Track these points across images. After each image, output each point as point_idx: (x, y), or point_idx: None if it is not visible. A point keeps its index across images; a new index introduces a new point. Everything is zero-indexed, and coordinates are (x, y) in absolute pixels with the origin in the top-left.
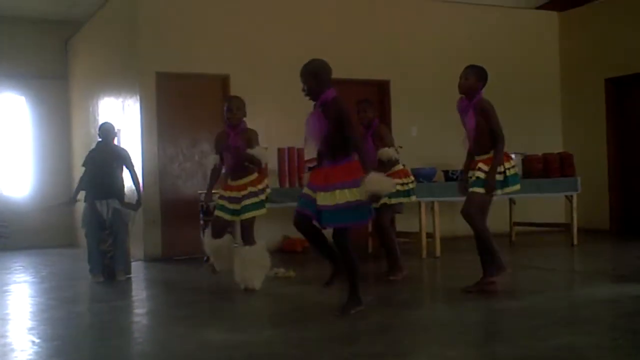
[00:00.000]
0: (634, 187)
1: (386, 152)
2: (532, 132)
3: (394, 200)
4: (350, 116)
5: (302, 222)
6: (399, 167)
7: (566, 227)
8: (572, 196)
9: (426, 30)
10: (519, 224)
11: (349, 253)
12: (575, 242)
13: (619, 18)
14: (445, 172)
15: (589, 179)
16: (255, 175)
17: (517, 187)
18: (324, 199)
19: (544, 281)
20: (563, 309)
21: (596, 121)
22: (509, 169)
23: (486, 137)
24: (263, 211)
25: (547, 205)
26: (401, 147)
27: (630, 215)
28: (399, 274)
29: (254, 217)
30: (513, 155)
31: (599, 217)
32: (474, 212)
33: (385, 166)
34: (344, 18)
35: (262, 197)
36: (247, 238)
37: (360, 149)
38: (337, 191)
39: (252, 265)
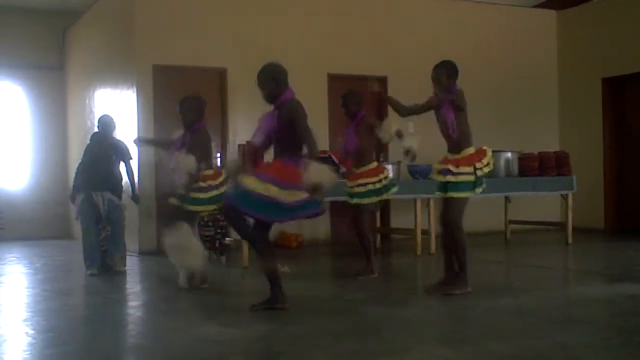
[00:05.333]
0: (629, 187)
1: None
2: (528, 130)
3: (366, 201)
4: (304, 118)
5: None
6: (372, 165)
7: (561, 226)
8: (567, 195)
9: (423, 28)
10: (514, 222)
11: (248, 235)
12: (570, 240)
13: (616, 17)
14: None
15: (585, 178)
16: (211, 172)
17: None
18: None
19: (538, 279)
20: (557, 308)
21: (593, 120)
22: (480, 168)
23: (458, 134)
24: (210, 208)
25: (542, 203)
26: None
27: (625, 214)
28: (369, 274)
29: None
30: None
31: (594, 216)
32: (459, 220)
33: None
34: (341, 14)
35: (214, 192)
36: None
37: (313, 149)
38: (258, 181)
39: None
